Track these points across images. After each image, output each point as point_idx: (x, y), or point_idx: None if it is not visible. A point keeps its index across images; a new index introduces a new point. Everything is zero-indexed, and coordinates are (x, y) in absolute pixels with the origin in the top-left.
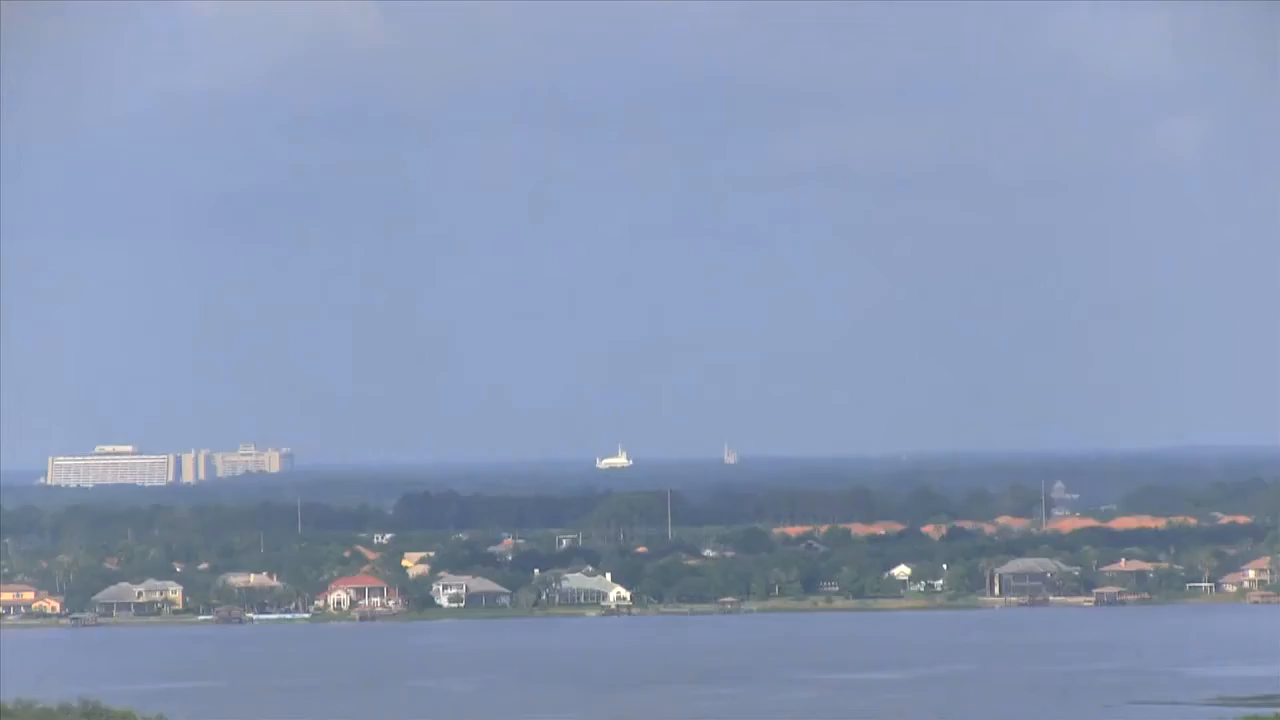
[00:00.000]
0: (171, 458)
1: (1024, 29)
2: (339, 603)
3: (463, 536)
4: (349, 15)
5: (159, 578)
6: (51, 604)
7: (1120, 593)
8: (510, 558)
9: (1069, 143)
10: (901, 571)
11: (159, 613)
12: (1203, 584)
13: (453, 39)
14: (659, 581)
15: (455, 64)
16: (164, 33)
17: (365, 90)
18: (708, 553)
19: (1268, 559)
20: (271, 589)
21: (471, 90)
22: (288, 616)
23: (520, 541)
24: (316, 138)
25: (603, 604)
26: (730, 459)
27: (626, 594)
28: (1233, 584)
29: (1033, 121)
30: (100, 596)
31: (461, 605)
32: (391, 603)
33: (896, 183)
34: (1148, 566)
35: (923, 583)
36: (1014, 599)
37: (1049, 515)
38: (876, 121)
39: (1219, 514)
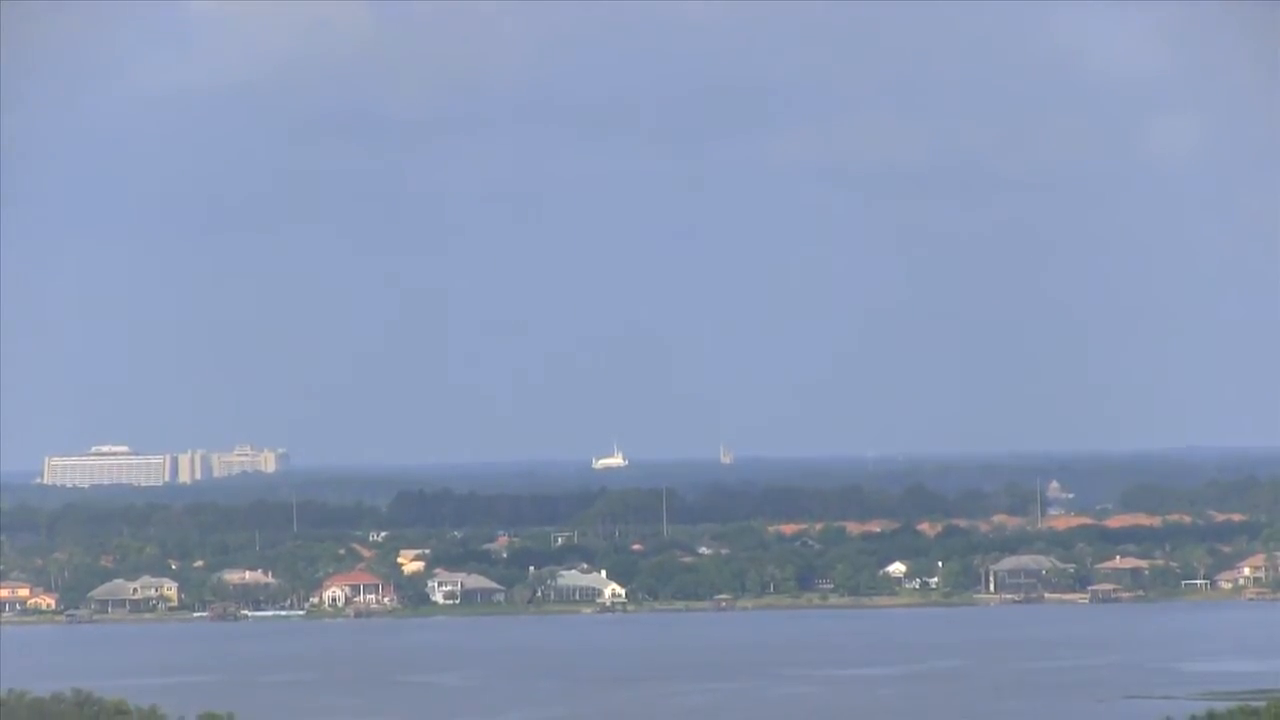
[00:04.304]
0: (167, 458)
1: (1020, 27)
2: (334, 600)
3: (458, 534)
4: (346, 15)
5: (154, 575)
6: (47, 601)
7: (1115, 590)
8: (505, 555)
9: (1065, 141)
10: (896, 569)
11: (154, 609)
12: (1198, 581)
13: (449, 39)
14: (654, 579)
15: (452, 64)
16: (162, 31)
17: (362, 90)
18: (703, 550)
19: (1263, 556)
20: (266, 586)
21: (469, 90)
22: (283, 613)
23: (515, 539)
24: (314, 137)
25: (598, 601)
26: (726, 459)
27: (621, 591)
28: (1228, 581)
29: (1030, 120)
30: (96, 593)
31: (456, 602)
32: (386, 600)
33: (893, 182)
34: (1143, 564)
35: (918, 580)
36: (1009, 596)
37: (1044, 514)
38: (874, 121)
39: (1214, 512)
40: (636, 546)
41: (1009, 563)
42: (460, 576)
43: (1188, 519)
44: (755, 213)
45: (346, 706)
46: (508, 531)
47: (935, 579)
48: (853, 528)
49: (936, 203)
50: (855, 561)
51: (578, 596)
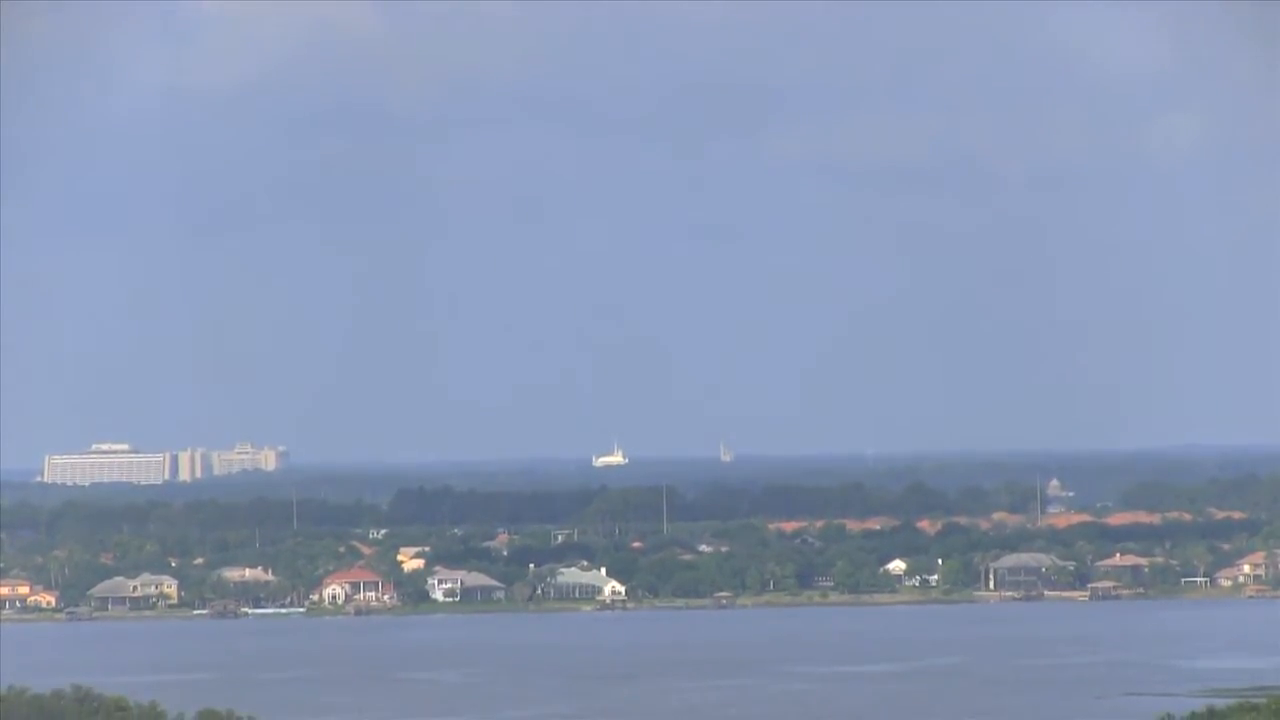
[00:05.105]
0: (167, 456)
1: (1022, 25)
2: (334, 597)
3: (458, 532)
4: (348, 13)
5: (154, 572)
6: (47, 598)
7: (1115, 587)
8: (505, 553)
9: (1066, 139)
10: (897, 566)
11: (154, 607)
12: (1198, 579)
13: (451, 38)
14: (654, 576)
15: (453, 63)
16: (164, 31)
17: (363, 90)
18: (703, 548)
19: (1262, 554)
20: (266, 583)
21: (469, 89)
22: (283, 611)
23: (515, 537)
24: (314, 136)
25: (598, 598)
26: (726, 457)
27: (621, 589)
28: (1228, 579)
29: (1030, 118)
30: (96, 591)
31: (456, 600)
32: (386, 597)
33: (894, 180)
34: (1143, 561)
35: (918, 577)
36: (1009, 593)
37: (1044, 511)
38: (873, 119)
39: (1214, 510)
40: (636, 544)
41: (1009, 560)
42: (460, 574)
43: (1188, 517)
44: (755, 212)
45: (346, 704)
46: (508, 529)
47: (935, 576)
48: (853, 525)
49: (936, 200)
50: (855, 559)
51: (577, 594)
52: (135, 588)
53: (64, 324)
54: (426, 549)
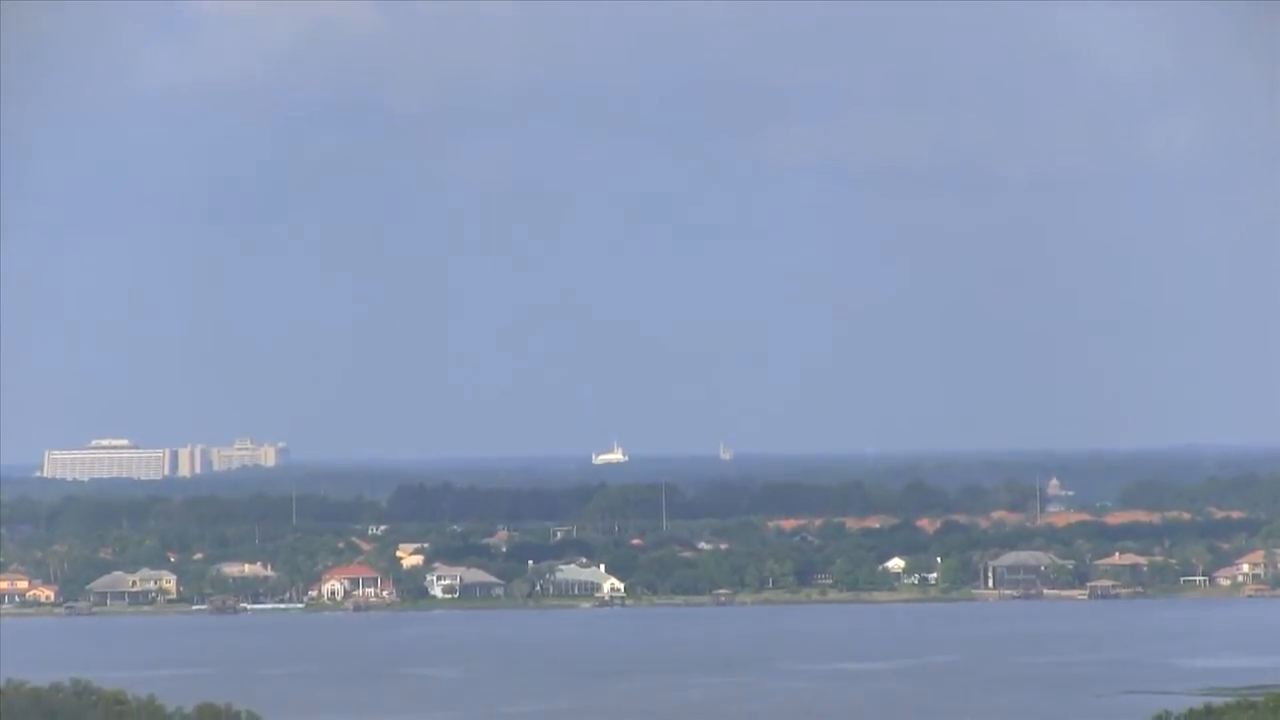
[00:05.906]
0: (167, 452)
1: (1022, 26)
2: (333, 593)
3: (457, 528)
4: (348, 12)
5: (153, 567)
6: (46, 593)
7: (1114, 586)
8: (504, 549)
9: (1066, 141)
10: (896, 564)
11: (153, 602)
12: (1197, 578)
13: (451, 37)
14: (653, 574)
15: (453, 62)
16: (166, 29)
17: (363, 85)
18: (702, 545)
19: (1261, 553)
20: (266, 579)
21: (469, 88)
22: (282, 606)
23: (515, 534)
24: (315, 132)
25: (597, 595)
26: (725, 455)
27: (620, 586)
28: (1227, 578)
29: (1030, 119)
30: (95, 585)
31: (455, 596)
32: (385, 593)
33: (894, 181)
34: (1142, 560)
35: (917, 575)
36: (1008, 592)
37: (1044, 510)
38: (874, 119)
39: (1214, 509)
40: (636, 541)
41: (1008, 559)
42: (459, 570)
43: (1187, 516)
44: (755, 212)
45: (345, 699)
46: (507, 526)
47: (934, 575)
48: (852, 523)
49: (937, 201)
50: (854, 557)
51: (577, 591)
52: (134, 583)
53: (63, 319)
54: (426, 545)
